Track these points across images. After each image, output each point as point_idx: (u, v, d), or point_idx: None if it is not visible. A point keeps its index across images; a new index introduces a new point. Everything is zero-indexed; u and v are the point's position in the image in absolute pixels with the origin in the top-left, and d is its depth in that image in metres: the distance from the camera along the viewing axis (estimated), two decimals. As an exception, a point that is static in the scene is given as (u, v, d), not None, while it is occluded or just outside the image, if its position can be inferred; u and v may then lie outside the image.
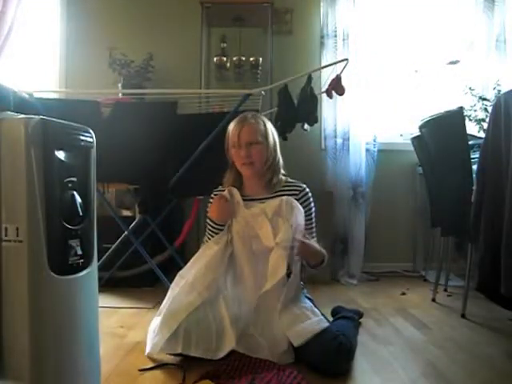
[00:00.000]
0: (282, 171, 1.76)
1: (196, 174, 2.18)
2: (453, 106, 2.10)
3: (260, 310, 1.56)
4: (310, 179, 1.97)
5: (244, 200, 1.72)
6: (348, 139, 3.03)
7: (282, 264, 1.54)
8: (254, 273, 1.59)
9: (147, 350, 1.52)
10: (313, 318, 1.52)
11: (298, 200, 1.67)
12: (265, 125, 1.71)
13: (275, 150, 1.73)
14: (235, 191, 1.69)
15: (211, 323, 1.50)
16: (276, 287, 1.53)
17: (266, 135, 1.69)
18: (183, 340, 1.43)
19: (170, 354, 1.48)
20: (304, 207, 1.67)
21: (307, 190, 1.75)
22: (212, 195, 1.79)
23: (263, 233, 1.59)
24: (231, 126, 1.72)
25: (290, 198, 1.63)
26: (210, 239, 1.69)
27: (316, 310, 1.60)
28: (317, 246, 1.67)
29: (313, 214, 1.73)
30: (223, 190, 1.77)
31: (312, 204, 1.73)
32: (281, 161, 1.75)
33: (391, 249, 3.20)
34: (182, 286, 1.59)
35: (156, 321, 1.59)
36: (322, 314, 1.60)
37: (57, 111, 1.44)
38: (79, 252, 1.05)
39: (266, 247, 1.57)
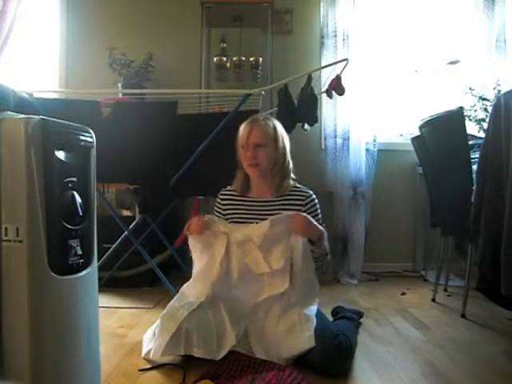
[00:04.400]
0: (292, 175, 1.76)
1: (196, 174, 2.18)
2: (453, 106, 2.10)
3: (257, 315, 1.57)
4: (310, 179, 1.97)
5: (250, 201, 1.73)
6: (348, 139, 3.03)
7: (281, 283, 1.54)
8: (252, 280, 1.59)
9: (150, 354, 1.49)
10: (306, 333, 1.45)
11: (303, 206, 1.68)
12: (275, 128, 1.71)
13: (284, 154, 1.72)
14: (217, 220, 1.65)
15: (212, 323, 1.50)
16: (274, 296, 1.54)
17: (275, 138, 1.69)
18: (185, 341, 1.43)
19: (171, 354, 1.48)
20: (310, 213, 1.66)
21: (313, 196, 1.74)
22: (219, 195, 1.81)
23: (251, 260, 1.57)
24: (242, 127, 1.72)
25: (276, 217, 1.59)
26: None
27: (314, 320, 1.50)
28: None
29: (320, 221, 1.71)
30: (231, 191, 1.77)
31: (318, 211, 1.72)
32: (291, 165, 1.75)
33: (391, 249, 3.20)
34: (178, 296, 1.62)
35: (154, 325, 1.59)
36: (318, 316, 1.55)
37: (57, 111, 1.44)
38: (79, 252, 1.05)
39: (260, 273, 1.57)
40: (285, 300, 1.54)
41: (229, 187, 1.81)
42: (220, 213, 1.78)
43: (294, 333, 1.48)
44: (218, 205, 1.81)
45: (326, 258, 1.68)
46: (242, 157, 1.71)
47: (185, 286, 1.65)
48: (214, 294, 1.57)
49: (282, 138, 1.73)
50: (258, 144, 1.67)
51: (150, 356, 1.49)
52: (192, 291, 1.60)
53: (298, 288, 1.56)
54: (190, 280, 1.66)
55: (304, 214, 1.61)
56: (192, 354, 1.43)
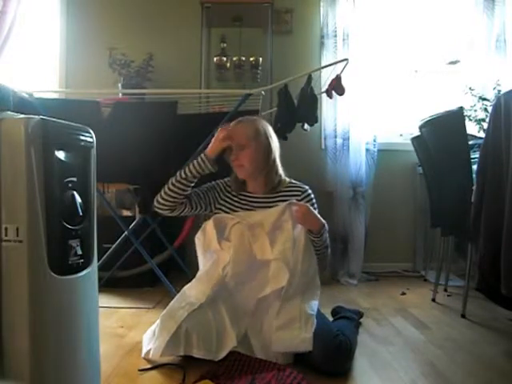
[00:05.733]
0: (281, 172, 1.74)
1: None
2: (453, 106, 2.10)
3: (257, 313, 1.57)
4: (310, 179, 1.97)
5: (248, 197, 1.73)
6: (348, 139, 3.03)
7: (284, 275, 1.54)
8: (254, 276, 1.59)
9: (150, 354, 1.49)
10: (304, 334, 1.45)
11: (300, 201, 1.67)
12: (256, 128, 1.69)
13: (268, 153, 1.69)
14: (225, 216, 1.68)
15: (211, 324, 1.50)
16: (276, 292, 1.54)
17: (255, 138, 1.67)
18: (184, 342, 1.43)
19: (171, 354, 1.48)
20: None
21: (310, 191, 1.74)
22: (227, 180, 1.80)
23: (258, 246, 1.60)
24: None
25: (284, 204, 1.63)
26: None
27: (315, 322, 1.49)
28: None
29: None
30: (229, 185, 1.78)
31: (315, 205, 1.73)
32: (277, 162, 1.73)
33: (391, 249, 3.20)
34: (179, 296, 1.62)
35: (154, 325, 1.59)
36: (318, 316, 1.55)
37: (57, 111, 1.44)
38: (79, 252, 1.05)
39: (264, 259, 1.58)
40: (284, 291, 1.53)
41: (227, 179, 1.81)
42: (218, 191, 1.76)
43: (292, 329, 1.47)
44: (220, 184, 1.78)
45: (327, 252, 1.70)
46: (230, 159, 1.71)
47: (186, 286, 1.65)
48: (214, 295, 1.57)
49: (266, 138, 1.70)
50: (240, 146, 1.66)
51: (150, 356, 1.49)
52: (193, 292, 1.60)
53: (297, 278, 1.55)
54: (193, 281, 1.66)
55: (307, 204, 1.63)
56: (192, 354, 1.43)
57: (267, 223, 1.61)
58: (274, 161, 1.72)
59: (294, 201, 1.65)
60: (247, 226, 1.62)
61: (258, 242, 1.60)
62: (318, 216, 1.63)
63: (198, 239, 1.70)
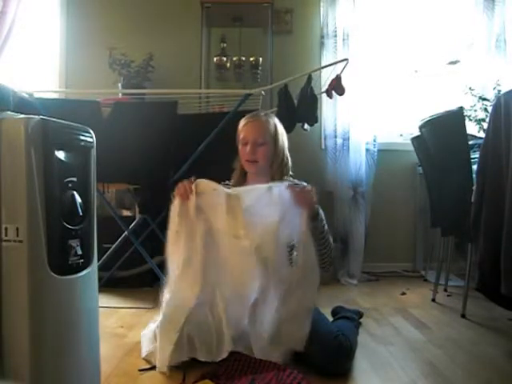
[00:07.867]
0: (291, 172, 1.75)
1: (196, 174, 2.18)
2: (453, 106, 2.10)
3: (256, 313, 1.55)
4: (310, 179, 1.96)
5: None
6: (348, 139, 3.03)
7: (261, 272, 1.47)
8: (245, 273, 1.52)
9: (156, 365, 1.45)
10: (298, 334, 1.43)
11: None
12: (276, 126, 1.71)
13: (283, 152, 1.71)
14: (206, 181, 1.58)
15: (211, 325, 1.47)
16: (268, 296, 1.49)
17: (275, 136, 1.69)
18: (188, 346, 1.42)
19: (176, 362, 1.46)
20: None
21: (309, 187, 1.72)
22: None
23: (230, 219, 1.48)
24: (243, 122, 1.71)
25: (280, 187, 1.52)
26: None
27: (311, 318, 1.46)
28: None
29: None
30: (228, 185, 1.74)
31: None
32: (289, 163, 1.74)
33: (391, 249, 3.20)
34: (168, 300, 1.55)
35: (151, 327, 1.58)
36: (318, 316, 1.54)
37: (57, 111, 1.44)
38: (79, 252, 1.05)
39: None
40: (284, 287, 1.48)
41: (227, 181, 1.80)
42: None
43: (293, 324, 1.45)
44: None
45: (329, 245, 1.60)
46: (241, 152, 1.70)
47: (168, 290, 1.58)
48: (211, 291, 1.52)
49: (282, 136, 1.73)
50: (258, 141, 1.66)
51: (157, 369, 1.44)
52: (178, 294, 1.53)
53: (296, 273, 1.49)
54: (171, 283, 1.58)
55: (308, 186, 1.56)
56: (195, 357, 1.42)
57: (248, 198, 1.50)
58: (288, 160, 1.73)
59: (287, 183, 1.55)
60: (224, 195, 1.51)
61: (232, 215, 1.49)
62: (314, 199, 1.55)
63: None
